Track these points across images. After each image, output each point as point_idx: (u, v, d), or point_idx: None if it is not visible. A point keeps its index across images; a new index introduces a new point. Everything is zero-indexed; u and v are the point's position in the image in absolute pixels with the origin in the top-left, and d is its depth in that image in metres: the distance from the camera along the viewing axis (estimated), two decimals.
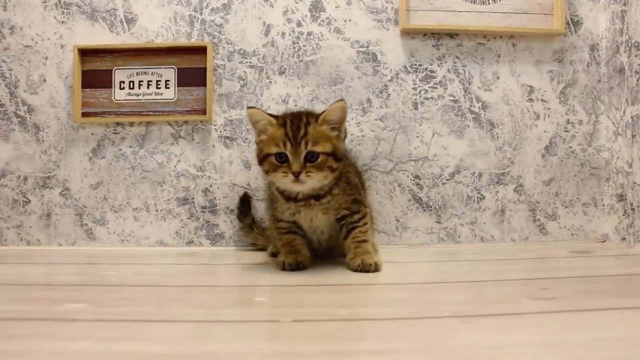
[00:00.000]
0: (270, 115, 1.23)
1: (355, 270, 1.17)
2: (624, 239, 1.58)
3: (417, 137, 1.65)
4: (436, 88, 1.66)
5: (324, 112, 1.21)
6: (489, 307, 0.86)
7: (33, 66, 1.64)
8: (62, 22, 1.64)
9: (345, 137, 1.27)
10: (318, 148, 1.16)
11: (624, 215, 1.58)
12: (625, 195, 1.58)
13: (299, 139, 1.15)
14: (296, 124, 1.18)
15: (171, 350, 0.64)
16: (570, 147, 1.68)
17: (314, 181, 1.16)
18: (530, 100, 1.68)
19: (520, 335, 0.70)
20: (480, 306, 0.86)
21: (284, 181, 1.16)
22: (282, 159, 1.16)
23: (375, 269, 1.17)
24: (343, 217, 1.26)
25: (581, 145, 1.68)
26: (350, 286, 1.04)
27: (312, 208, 1.23)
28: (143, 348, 0.65)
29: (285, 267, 1.20)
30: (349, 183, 1.25)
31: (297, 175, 1.14)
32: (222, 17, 1.64)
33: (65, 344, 0.67)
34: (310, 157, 1.16)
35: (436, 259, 1.39)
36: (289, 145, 1.15)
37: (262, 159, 1.20)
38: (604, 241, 1.67)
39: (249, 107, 1.24)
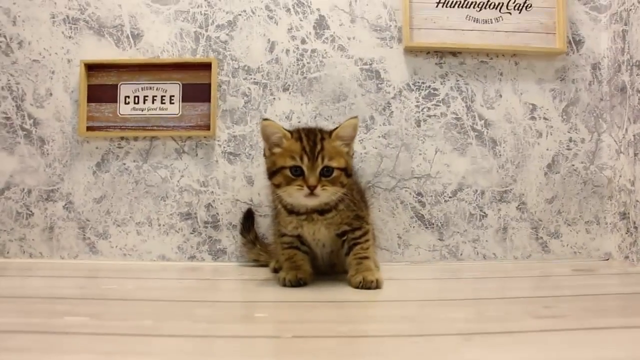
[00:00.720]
0: (284, 129, 1.24)
1: (357, 287, 1.17)
2: (627, 257, 1.58)
3: (420, 154, 1.65)
4: (439, 106, 1.66)
5: (337, 128, 1.23)
6: (492, 324, 0.85)
7: (40, 80, 1.66)
8: (70, 37, 1.66)
9: (353, 154, 1.29)
10: (333, 163, 1.18)
11: (626, 233, 1.58)
12: (628, 213, 1.57)
13: (316, 153, 1.17)
14: (312, 138, 1.20)
15: None
16: (573, 165, 1.68)
17: (327, 194, 1.17)
18: (533, 118, 1.68)
19: (523, 354, 0.70)
20: (483, 324, 0.86)
21: (298, 195, 1.17)
22: (297, 172, 1.17)
23: (377, 286, 1.16)
24: (344, 233, 1.26)
25: (583, 163, 1.68)
26: (352, 303, 1.04)
27: (315, 222, 1.24)
28: None
29: (285, 284, 1.19)
30: (352, 199, 1.26)
31: (312, 189, 1.15)
32: (227, 34, 1.66)
33: (63, 357, 0.67)
34: (326, 172, 1.17)
35: (438, 277, 1.39)
36: (305, 159, 1.16)
37: (274, 172, 1.20)
38: (607, 259, 1.66)
39: (264, 119, 1.24)
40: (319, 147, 1.18)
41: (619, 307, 1.02)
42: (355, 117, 1.25)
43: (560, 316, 0.90)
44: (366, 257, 1.24)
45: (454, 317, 0.91)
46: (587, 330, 0.81)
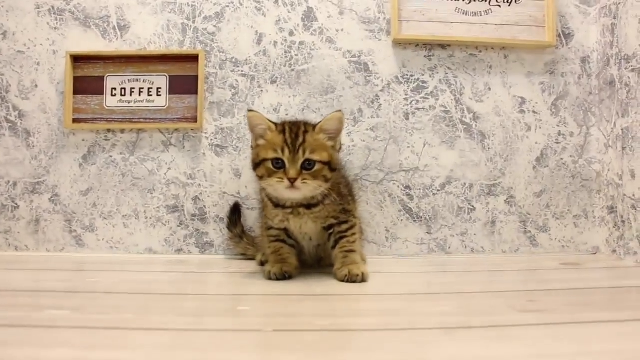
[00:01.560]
0: (270, 121, 1.23)
1: (342, 281, 1.17)
2: (614, 251, 1.58)
3: (408, 147, 1.65)
4: (427, 99, 1.66)
5: (321, 121, 1.22)
6: (476, 319, 0.85)
7: (25, 72, 1.64)
8: (55, 28, 1.64)
9: (341, 148, 1.28)
10: (315, 156, 1.17)
11: (614, 227, 1.58)
12: (616, 207, 1.58)
13: (297, 146, 1.16)
14: (295, 131, 1.19)
15: (148, 358, 0.64)
16: (562, 159, 1.68)
17: (308, 188, 1.17)
18: (522, 111, 1.68)
19: (506, 348, 0.70)
20: (467, 318, 0.86)
21: (279, 187, 1.16)
22: (278, 164, 1.17)
23: (362, 279, 1.16)
24: (331, 226, 1.26)
25: (572, 157, 1.68)
26: (336, 296, 1.04)
27: (301, 216, 1.23)
28: (120, 356, 0.65)
29: (271, 277, 1.19)
30: (339, 193, 1.25)
31: (292, 182, 1.14)
32: (214, 26, 1.64)
33: (40, 351, 0.66)
34: (307, 165, 1.16)
35: (426, 270, 1.38)
36: (287, 151, 1.16)
37: (258, 163, 1.20)
38: (595, 253, 1.66)
39: (249, 110, 1.24)
40: (300, 139, 1.17)
41: (606, 301, 1.02)
42: (340, 110, 1.24)
43: (545, 310, 0.90)
44: (352, 251, 1.24)
45: (438, 311, 0.91)
46: (572, 325, 0.81)
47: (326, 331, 0.76)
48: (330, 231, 1.26)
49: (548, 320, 0.83)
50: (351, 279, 1.16)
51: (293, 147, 1.16)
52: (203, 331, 0.76)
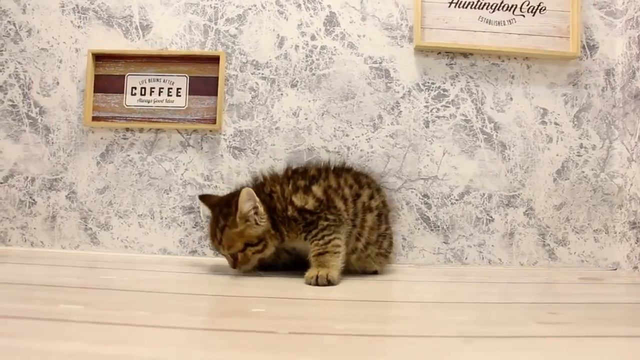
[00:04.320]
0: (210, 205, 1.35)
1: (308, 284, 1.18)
2: (635, 267, 1.55)
3: (427, 155, 1.63)
4: (448, 107, 1.64)
5: (238, 206, 1.22)
6: (495, 328, 0.83)
7: (47, 69, 1.65)
8: (79, 26, 1.65)
9: (261, 207, 1.24)
10: (232, 250, 1.25)
11: (636, 243, 1.55)
12: (638, 222, 1.54)
13: (218, 243, 1.27)
14: (213, 228, 1.28)
15: (162, 355, 0.63)
16: (583, 172, 1.66)
17: (252, 265, 1.27)
18: (543, 122, 1.66)
19: (527, 358, 0.68)
20: (485, 327, 0.84)
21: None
22: None
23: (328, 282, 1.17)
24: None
25: (594, 170, 1.66)
26: (351, 302, 1.02)
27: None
28: (133, 352, 0.64)
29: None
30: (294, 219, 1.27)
31: (234, 267, 1.27)
32: (236, 28, 1.64)
33: (54, 344, 0.65)
34: (234, 255, 1.25)
35: (442, 280, 1.36)
36: (217, 244, 1.28)
37: None
38: (615, 269, 1.63)
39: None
40: (218, 237, 1.26)
41: (626, 317, 0.99)
42: (245, 187, 1.23)
43: (565, 323, 0.88)
44: (323, 253, 1.23)
45: (455, 320, 0.89)
46: (593, 338, 0.79)
47: (343, 335, 0.74)
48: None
49: (569, 333, 0.81)
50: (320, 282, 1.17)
51: (219, 243, 1.26)
52: (217, 331, 0.75)
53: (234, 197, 1.26)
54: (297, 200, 1.25)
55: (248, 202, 1.21)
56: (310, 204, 1.25)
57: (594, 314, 0.98)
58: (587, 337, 0.79)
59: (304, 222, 1.25)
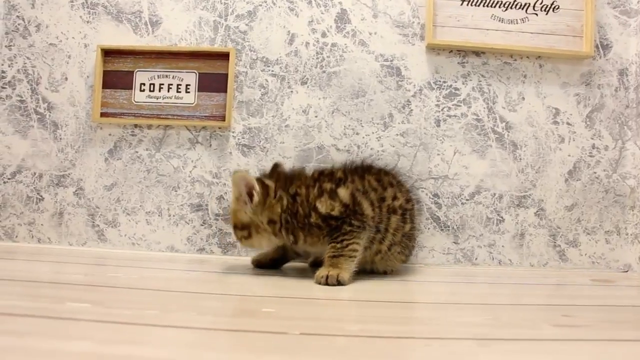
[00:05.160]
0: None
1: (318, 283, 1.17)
2: None
3: (438, 154, 1.61)
4: (460, 106, 1.62)
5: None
6: (508, 331, 0.81)
7: (56, 64, 1.64)
8: (88, 21, 1.64)
9: (257, 198, 1.24)
10: (234, 229, 1.29)
11: None
12: None
13: None
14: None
15: (171, 356, 0.61)
16: (595, 172, 1.64)
17: (254, 246, 1.30)
18: (555, 122, 1.64)
19: None
20: (499, 329, 0.82)
21: None
22: None
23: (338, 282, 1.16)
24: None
25: (606, 171, 1.64)
26: (362, 302, 1.01)
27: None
28: (142, 352, 0.62)
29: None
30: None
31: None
32: (246, 24, 1.63)
33: (62, 343, 0.64)
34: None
35: (452, 280, 1.35)
36: None
37: None
38: (627, 271, 1.61)
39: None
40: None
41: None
42: (235, 172, 1.24)
43: (579, 326, 0.86)
44: (338, 256, 1.20)
45: (468, 321, 0.88)
46: (607, 342, 0.77)
47: (356, 337, 0.73)
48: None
49: (584, 337, 0.79)
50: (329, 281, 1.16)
51: None
52: (227, 331, 0.74)
53: (273, 174, 1.32)
54: (322, 206, 1.21)
55: (236, 188, 1.24)
56: (337, 209, 1.20)
57: (608, 317, 0.96)
58: (603, 340, 0.78)
59: (328, 229, 1.21)
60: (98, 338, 0.67)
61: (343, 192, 1.22)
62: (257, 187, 1.22)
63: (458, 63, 1.63)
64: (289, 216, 1.22)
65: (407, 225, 1.33)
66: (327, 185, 1.23)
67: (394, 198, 1.30)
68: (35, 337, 0.66)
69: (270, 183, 1.24)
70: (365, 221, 1.21)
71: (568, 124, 1.64)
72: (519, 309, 1.01)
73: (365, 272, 1.31)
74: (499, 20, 1.63)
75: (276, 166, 1.38)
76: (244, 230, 1.26)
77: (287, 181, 1.27)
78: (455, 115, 1.62)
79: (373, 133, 1.61)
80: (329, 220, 1.20)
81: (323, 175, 1.29)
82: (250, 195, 1.22)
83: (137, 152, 1.62)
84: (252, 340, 0.70)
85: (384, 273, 1.35)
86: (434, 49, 1.63)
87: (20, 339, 0.65)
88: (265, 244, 1.29)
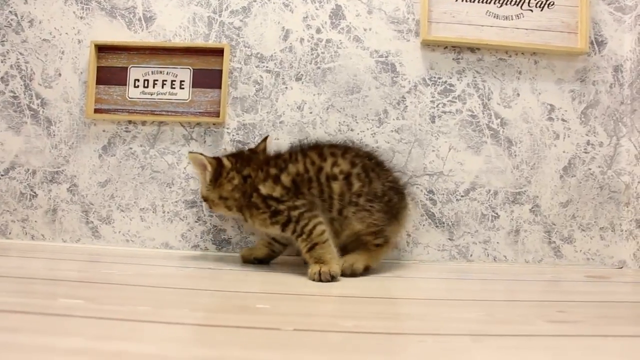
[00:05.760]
0: None
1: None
2: None
3: (433, 151, 1.61)
4: (455, 102, 1.62)
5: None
6: (503, 327, 0.81)
7: (49, 60, 1.63)
8: (81, 17, 1.63)
9: (212, 177, 1.35)
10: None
11: None
12: None
13: None
14: None
15: (162, 352, 0.61)
16: (590, 169, 1.64)
17: (218, 213, 1.46)
18: (550, 119, 1.64)
19: (537, 358, 0.66)
20: (493, 325, 0.82)
21: None
22: None
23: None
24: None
25: (601, 167, 1.64)
26: (357, 298, 1.01)
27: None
28: (134, 348, 0.62)
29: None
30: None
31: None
32: (241, 20, 1.62)
33: (55, 339, 0.64)
34: None
35: (447, 277, 1.35)
36: None
37: None
38: (621, 267, 1.62)
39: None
40: None
41: (635, 316, 0.97)
42: (189, 152, 1.37)
43: (573, 322, 0.86)
44: (313, 246, 1.23)
45: (463, 317, 0.87)
46: (603, 337, 0.77)
47: (350, 333, 0.73)
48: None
49: (578, 332, 0.79)
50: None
51: None
52: (220, 327, 0.74)
53: (239, 153, 1.42)
54: (264, 188, 1.29)
55: (193, 167, 1.40)
56: (278, 191, 1.28)
57: (602, 313, 0.96)
58: (597, 336, 0.78)
59: (269, 210, 1.27)
60: (91, 334, 0.67)
61: (285, 177, 1.29)
62: (209, 167, 1.34)
63: (453, 59, 1.63)
64: (236, 194, 1.33)
65: (356, 185, 1.30)
66: (273, 171, 1.31)
67: (334, 165, 1.31)
68: (28, 333, 0.66)
69: (227, 163, 1.35)
70: (308, 198, 1.27)
71: (563, 120, 1.64)
72: (513, 305, 1.01)
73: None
74: (494, 17, 1.62)
75: (263, 140, 1.47)
76: (206, 202, 1.40)
77: (244, 162, 1.36)
78: (450, 112, 1.62)
79: (368, 129, 1.60)
80: (268, 200, 1.27)
81: (274, 159, 1.37)
82: (204, 172, 1.36)
83: (131, 148, 1.62)
84: (246, 336, 0.70)
85: (356, 240, 1.33)
86: (429, 45, 1.63)
87: (13, 336, 0.65)
88: (225, 214, 1.43)
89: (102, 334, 0.67)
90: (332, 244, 1.23)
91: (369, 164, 1.35)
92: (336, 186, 1.29)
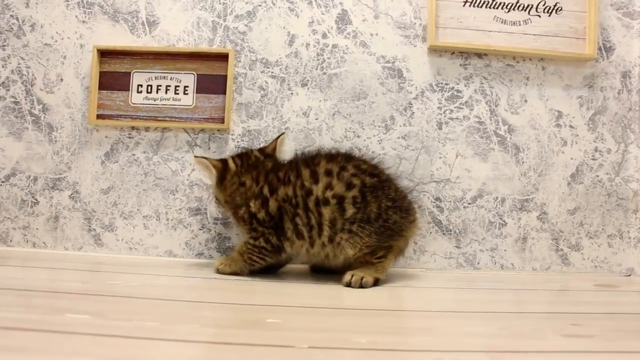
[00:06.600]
0: None
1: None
2: None
3: (440, 157, 1.59)
4: (462, 108, 1.60)
5: None
6: (519, 342, 0.79)
7: (51, 65, 1.61)
8: (83, 21, 1.61)
9: (218, 179, 1.40)
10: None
11: None
12: None
13: None
14: None
15: None
16: (597, 176, 1.62)
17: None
18: (558, 125, 1.62)
19: None
20: (509, 340, 0.80)
21: None
22: None
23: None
24: None
25: (609, 174, 1.62)
26: (368, 311, 0.99)
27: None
28: None
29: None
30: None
31: None
32: (245, 25, 1.60)
33: (60, 359, 0.62)
34: None
35: (455, 286, 1.33)
36: None
37: None
38: (629, 275, 1.60)
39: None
40: None
41: None
42: (194, 156, 1.45)
43: (590, 336, 0.84)
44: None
45: (478, 332, 0.85)
46: (619, 354, 0.75)
47: (366, 350, 0.71)
48: None
49: (597, 348, 0.77)
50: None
51: None
52: (232, 345, 0.71)
53: (246, 155, 1.44)
54: (253, 206, 1.31)
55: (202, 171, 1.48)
56: (261, 215, 1.30)
57: (616, 326, 0.94)
58: (615, 352, 0.76)
59: (248, 226, 1.32)
60: (99, 354, 0.65)
61: (272, 203, 1.29)
62: (213, 170, 1.38)
63: (460, 65, 1.61)
64: (237, 198, 1.36)
65: (349, 211, 1.24)
66: (265, 190, 1.30)
67: (327, 188, 1.24)
68: (33, 353, 0.64)
69: (232, 166, 1.38)
70: (287, 235, 1.29)
71: (571, 126, 1.63)
72: (525, 317, 0.99)
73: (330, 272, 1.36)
74: (502, 22, 1.61)
75: (276, 139, 1.47)
76: (216, 202, 1.45)
77: (249, 167, 1.37)
78: (457, 118, 1.60)
79: (374, 136, 1.58)
80: (252, 218, 1.30)
81: (274, 171, 1.34)
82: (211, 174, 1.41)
83: (134, 154, 1.60)
84: (259, 354, 0.68)
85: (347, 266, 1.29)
86: (436, 51, 1.61)
87: (16, 356, 0.62)
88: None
89: (111, 354, 0.65)
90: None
91: (369, 183, 1.26)
92: (327, 212, 1.23)
